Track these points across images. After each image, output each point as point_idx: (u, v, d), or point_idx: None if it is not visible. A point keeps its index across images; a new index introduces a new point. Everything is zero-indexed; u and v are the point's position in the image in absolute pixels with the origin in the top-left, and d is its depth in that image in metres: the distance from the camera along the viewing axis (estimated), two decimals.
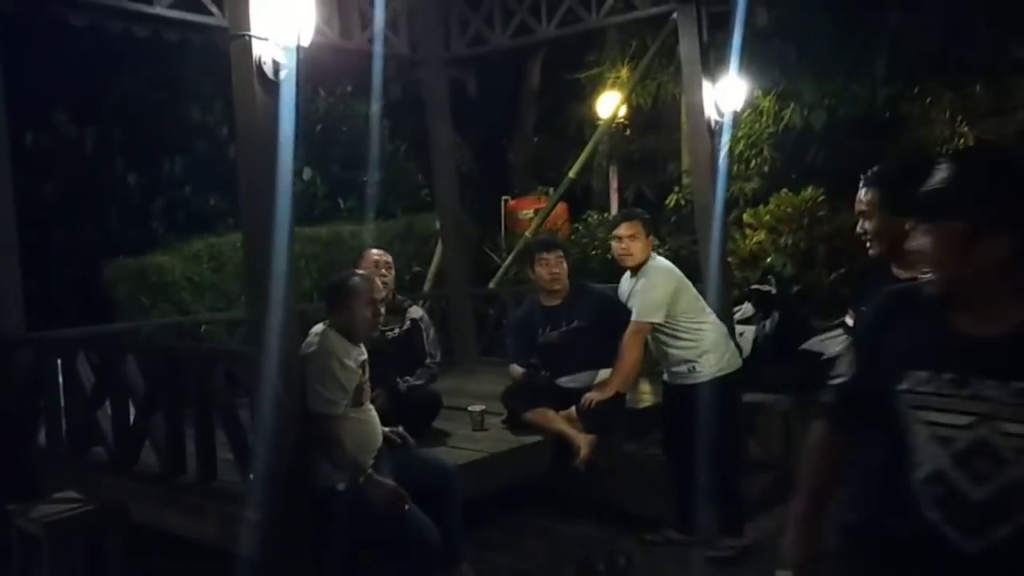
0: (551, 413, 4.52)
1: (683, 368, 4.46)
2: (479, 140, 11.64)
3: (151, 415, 3.90)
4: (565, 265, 4.75)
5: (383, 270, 4.60)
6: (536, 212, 10.08)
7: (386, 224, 8.21)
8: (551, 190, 10.42)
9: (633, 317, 4.44)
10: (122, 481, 4.06)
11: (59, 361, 4.41)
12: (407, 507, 3.41)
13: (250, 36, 3.28)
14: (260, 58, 3.28)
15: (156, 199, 7.77)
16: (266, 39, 3.29)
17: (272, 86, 3.30)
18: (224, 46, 6.83)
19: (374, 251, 4.68)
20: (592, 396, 4.48)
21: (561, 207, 9.60)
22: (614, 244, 4.57)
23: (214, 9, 5.39)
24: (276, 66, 3.29)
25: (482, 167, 11.39)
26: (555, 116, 12.97)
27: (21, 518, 3.94)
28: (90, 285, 7.34)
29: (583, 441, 4.42)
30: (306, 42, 3.39)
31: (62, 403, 4.39)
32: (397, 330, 4.70)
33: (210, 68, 8.03)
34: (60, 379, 4.42)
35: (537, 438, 4.47)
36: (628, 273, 4.64)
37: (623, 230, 4.51)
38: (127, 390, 4.02)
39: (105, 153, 7.82)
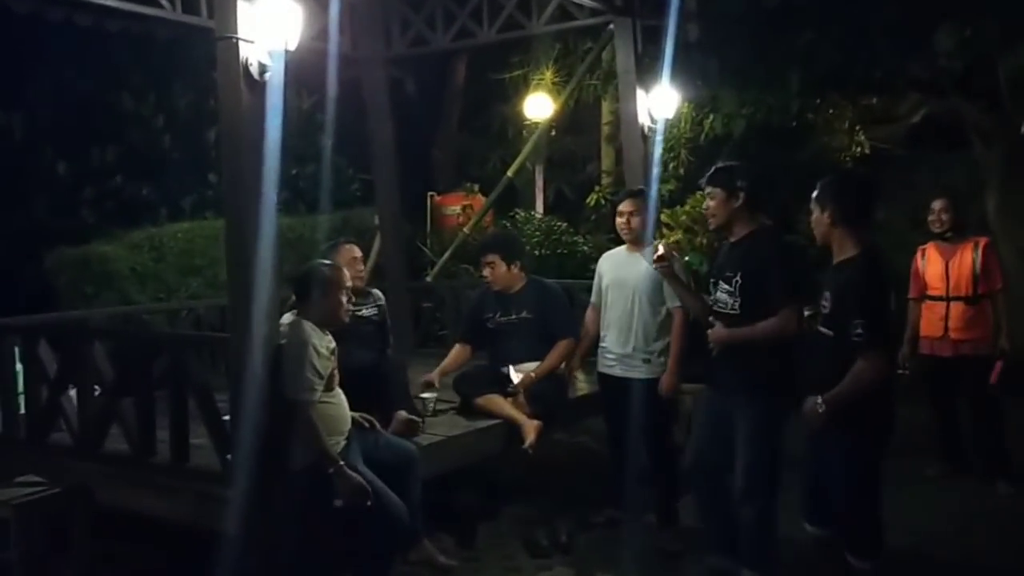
0: (500, 399, 4.78)
1: (644, 356, 4.64)
2: (404, 136, 11.78)
3: (120, 399, 4.00)
4: (501, 269, 5.00)
5: (359, 265, 4.81)
6: (463, 208, 10.32)
7: (322, 218, 8.33)
8: (476, 187, 10.68)
9: (673, 304, 4.59)
10: (87, 464, 4.13)
11: (16, 348, 4.46)
12: (369, 503, 3.60)
13: (237, 39, 3.43)
14: (247, 60, 3.43)
15: (86, 188, 7.69)
16: (253, 42, 3.45)
17: (258, 87, 3.46)
18: (163, 37, 6.92)
19: (347, 246, 4.83)
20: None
21: (480, 201, 9.85)
22: (618, 219, 4.77)
23: (164, 1, 5.42)
24: (262, 68, 3.45)
25: (407, 163, 11.54)
26: (479, 114, 13.22)
27: None
28: (15, 274, 7.25)
29: (530, 426, 4.70)
30: (293, 46, 3.56)
31: (19, 388, 4.43)
32: (366, 309, 4.91)
33: (144, 59, 8.02)
34: (17, 365, 4.46)
35: (488, 422, 4.72)
36: (624, 248, 4.82)
37: (626, 206, 4.72)
38: (94, 375, 4.10)
39: (33, 140, 7.70)
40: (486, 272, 5.08)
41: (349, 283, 3.95)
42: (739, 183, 3.74)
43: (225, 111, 3.54)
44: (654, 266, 4.26)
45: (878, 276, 3.36)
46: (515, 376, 4.90)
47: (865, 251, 3.35)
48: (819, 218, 3.45)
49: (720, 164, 3.95)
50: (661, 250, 4.19)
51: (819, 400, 3.28)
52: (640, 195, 4.82)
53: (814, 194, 3.48)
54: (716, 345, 3.80)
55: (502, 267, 5.02)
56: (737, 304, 3.68)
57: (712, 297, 3.85)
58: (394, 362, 4.81)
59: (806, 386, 3.43)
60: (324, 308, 3.76)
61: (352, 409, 3.93)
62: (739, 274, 3.69)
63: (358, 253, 4.85)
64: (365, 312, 4.90)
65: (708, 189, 3.80)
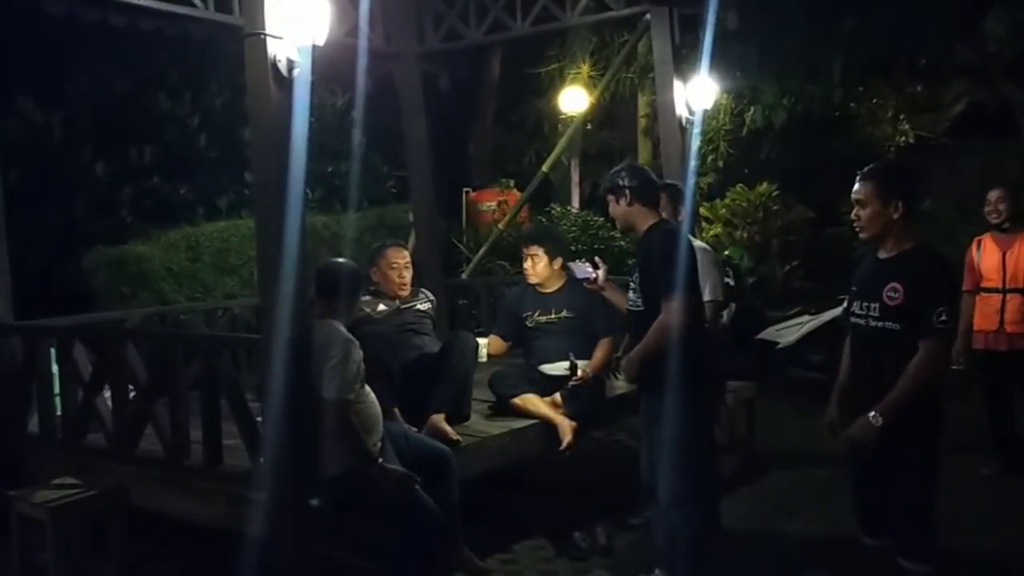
0: (536, 399, 4.70)
1: None
2: (438, 132, 11.76)
3: (154, 401, 3.98)
4: (543, 262, 4.92)
5: (404, 272, 4.78)
6: (498, 204, 10.25)
7: (356, 215, 8.30)
8: (512, 182, 10.61)
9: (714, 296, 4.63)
10: (122, 466, 4.12)
11: (52, 349, 4.46)
12: (417, 485, 3.56)
13: (265, 35, 3.38)
14: (275, 56, 3.38)
15: (124, 188, 7.72)
16: (281, 38, 3.39)
17: (286, 84, 3.40)
18: (198, 36, 6.93)
19: (392, 249, 4.79)
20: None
21: (516, 197, 9.77)
22: None
23: (197, 0, 5.41)
24: (291, 64, 3.40)
25: (442, 159, 11.53)
26: (514, 109, 13.15)
27: (23, 503, 4.00)
28: (54, 273, 7.31)
29: (567, 427, 4.62)
30: (321, 41, 3.51)
31: (56, 390, 4.43)
32: (420, 304, 4.90)
33: (180, 58, 8.05)
34: (54, 367, 4.46)
35: (524, 423, 4.63)
36: None
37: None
38: (128, 376, 4.09)
39: (72, 141, 7.75)
40: (527, 265, 4.96)
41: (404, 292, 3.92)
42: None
43: (254, 108, 3.50)
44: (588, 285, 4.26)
45: (949, 263, 3.25)
46: (551, 371, 4.83)
47: (922, 243, 3.18)
48: (880, 211, 3.11)
49: None
50: (601, 277, 4.19)
51: (873, 415, 3.04)
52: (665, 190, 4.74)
53: (870, 185, 3.14)
54: (630, 371, 3.78)
55: (543, 260, 4.93)
56: (640, 300, 3.75)
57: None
58: (458, 357, 4.63)
59: (857, 386, 3.23)
60: (348, 306, 3.74)
61: (408, 399, 3.96)
62: (637, 271, 3.80)
63: (404, 258, 4.75)
64: (421, 306, 4.91)
65: None
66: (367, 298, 4.67)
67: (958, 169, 10.06)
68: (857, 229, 3.19)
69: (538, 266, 4.94)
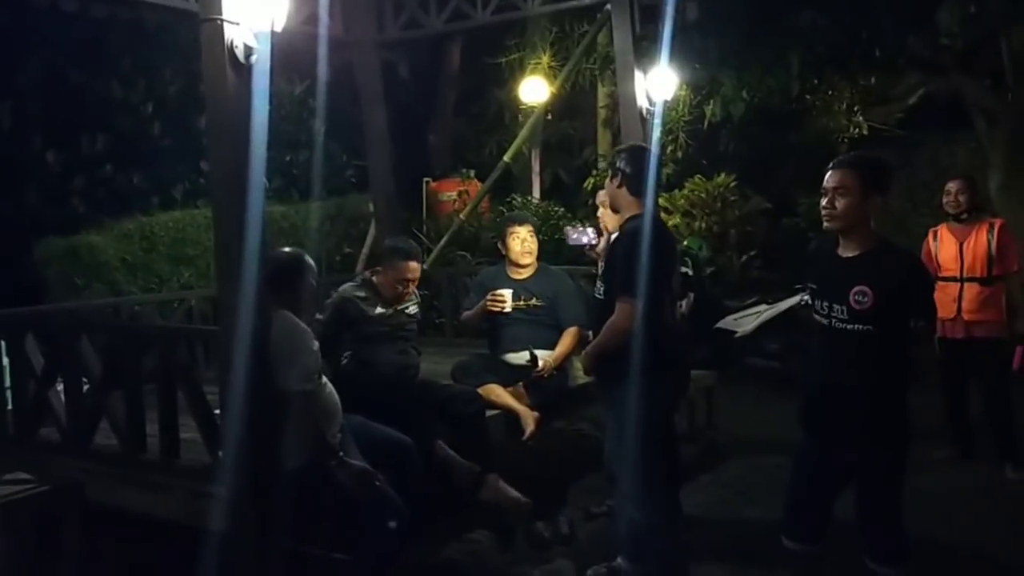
0: (499, 389, 4.71)
1: None
2: (399, 122, 11.68)
3: (109, 394, 3.90)
4: (536, 242, 4.95)
5: (410, 288, 4.64)
6: (459, 194, 10.21)
7: (316, 205, 8.22)
8: (472, 173, 10.57)
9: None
10: (76, 461, 4.03)
11: (2, 341, 4.36)
12: (378, 483, 3.53)
13: (222, 20, 3.31)
14: (232, 42, 3.31)
15: (76, 177, 7.57)
16: (238, 23, 3.32)
17: (244, 70, 3.34)
18: (152, 23, 6.80)
19: (410, 263, 4.55)
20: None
21: (477, 187, 9.74)
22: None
23: None
24: (248, 51, 3.33)
25: (402, 149, 11.45)
26: (474, 99, 13.09)
27: None
28: (5, 265, 7.14)
29: (530, 417, 4.63)
30: (279, 28, 3.44)
31: (7, 383, 4.33)
32: (412, 307, 4.78)
33: (133, 45, 7.89)
34: (4, 360, 4.36)
35: (488, 413, 4.61)
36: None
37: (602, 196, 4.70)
38: (82, 369, 4.00)
39: (22, 129, 7.58)
40: (518, 245, 4.93)
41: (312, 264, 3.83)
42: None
43: (210, 95, 3.42)
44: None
45: (919, 262, 3.21)
46: (516, 359, 4.84)
47: (887, 240, 3.08)
48: (859, 203, 2.97)
49: None
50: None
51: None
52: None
53: (853, 175, 3.00)
54: (587, 365, 3.79)
55: (531, 240, 4.97)
56: (602, 290, 3.75)
57: None
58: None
59: (818, 388, 3.18)
60: (300, 295, 3.67)
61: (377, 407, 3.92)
62: (604, 260, 3.81)
63: (417, 274, 4.59)
64: (410, 310, 4.75)
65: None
66: (361, 294, 4.52)
67: (910, 160, 10.21)
68: (826, 219, 3.04)
69: (533, 245, 4.96)
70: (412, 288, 4.65)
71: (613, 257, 3.67)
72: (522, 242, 4.92)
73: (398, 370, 4.53)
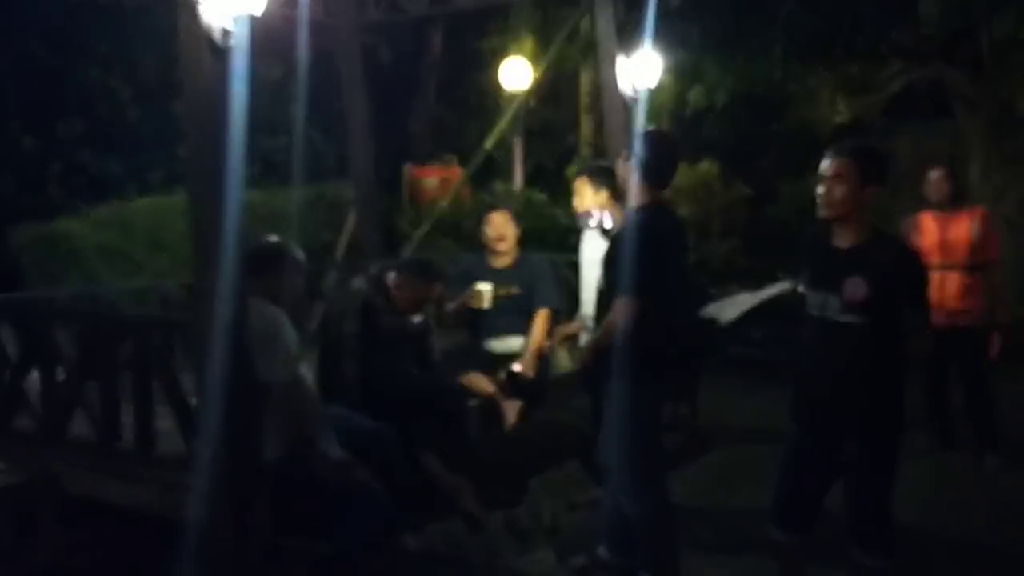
0: (481, 378, 4.68)
1: None
2: (379, 107, 11.59)
3: (84, 383, 3.83)
4: (512, 228, 4.91)
5: (432, 304, 4.66)
6: (440, 181, 10.15)
7: (295, 192, 8.13)
8: (454, 159, 10.50)
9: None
10: (51, 451, 3.97)
11: None
12: (356, 474, 3.50)
13: (199, 2, 3.24)
14: (210, 25, 3.24)
15: (52, 163, 7.45)
16: (216, 6, 3.25)
17: (222, 54, 3.27)
18: (130, 6, 6.68)
19: (435, 284, 4.56)
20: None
21: (459, 174, 9.69)
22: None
23: None
24: (226, 34, 3.27)
25: (383, 135, 11.37)
26: (456, 85, 13.01)
27: None
28: None
29: (511, 407, 4.60)
30: (258, 11, 3.37)
31: None
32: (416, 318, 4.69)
33: (111, 29, 7.76)
34: None
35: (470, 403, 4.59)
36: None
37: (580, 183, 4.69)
38: (57, 357, 3.93)
39: None
40: (495, 230, 4.92)
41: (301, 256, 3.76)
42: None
43: (188, 79, 3.35)
44: None
45: (914, 253, 3.19)
46: (497, 347, 4.88)
47: (881, 230, 3.06)
48: (857, 192, 2.94)
49: None
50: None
51: None
52: (590, 172, 4.70)
53: (852, 162, 2.95)
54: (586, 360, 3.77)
55: (512, 234, 4.97)
56: (603, 281, 3.68)
57: None
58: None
59: (810, 380, 3.15)
60: (280, 285, 3.62)
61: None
62: (608, 247, 3.71)
63: (436, 295, 4.62)
64: (416, 318, 4.64)
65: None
66: (378, 300, 4.41)
67: (891, 149, 10.23)
68: (822, 207, 3.00)
69: (503, 227, 4.95)
70: (429, 308, 4.64)
71: (618, 250, 3.53)
72: (495, 227, 4.89)
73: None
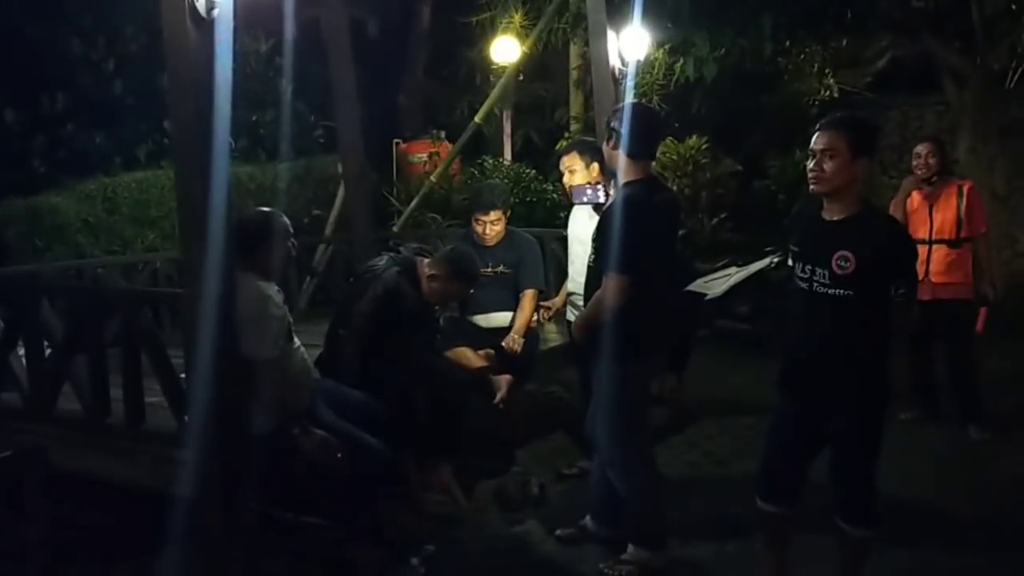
0: (470, 352, 4.69)
1: None
2: (368, 81, 11.51)
3: (72, 358, 3.82)
4: (501, 226, 4.93)
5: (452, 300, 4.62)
6: (430, 156, 10.11)
7: (283, 166, 8.09)
8: (443, 134, 10.46)
9: None
10: (39, 426, 3.96)
11: None
12: (339, 455, 3.51)
13: None
14: None
15: (36, 137, 7.38)
16: None
17: (206, 26, 3.23)
18: None
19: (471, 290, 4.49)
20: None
21: (448, 148, 9.65)
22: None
23: None
24: (210, 5, 3.22)
25: (371, 109, 11.30)
26: (445, 60, 12.92)
27: None
28: None
29: (501, 380, 4.62)
30: None
31: None
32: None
33: (93, 0, 7.67)
34: None
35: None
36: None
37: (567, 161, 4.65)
38: (44, 332, 3.92)
39: None
40: (487, 231, 4.90)
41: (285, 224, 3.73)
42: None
43: (171, 52, 3.30)
44: None
45: (901, 226, 3.20)
46: (483, 322, 4.92)
47: (870, 204, 3.07)
48: (848, 165, 2.93)
49: None
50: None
51: None
52: (578, 147, 4.67)
53: (843, 135, 2.95)
54: (577, 336, 3.75)
55: (502, 223, 4.95)
56: (593, 257, 3.66)
57: None
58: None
59: (798, 352, 3.15)
60: (268, 258, 3.58)
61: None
62: (598, 224, 3.68)
63: (465, 296, 4.58)
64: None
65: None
66: (408, 290, 4.23)
67: (879, 123, 10.27)
68: (812, 181, 2.99)
69: (498, 228, 4.94)
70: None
71: (606, 226, 3.51)
72: (487, 226, 4.90)
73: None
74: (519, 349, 4.77)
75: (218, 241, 3.24)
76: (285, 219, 3.70)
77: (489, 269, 4.88)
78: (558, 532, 4.05)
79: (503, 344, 4.76)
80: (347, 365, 4.10)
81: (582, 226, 4.57)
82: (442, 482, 4.29)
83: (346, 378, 4.06)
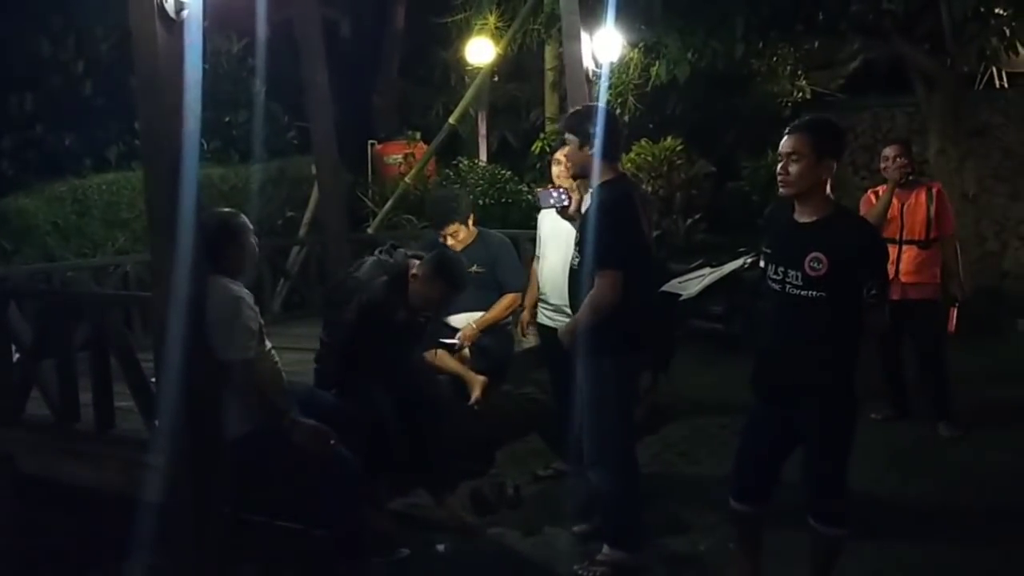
0: (444, 354, 4.67)
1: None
2: (342, 82, 11.45)
3: (40, 362, 3.78)
4: (464, 233, 4.92)
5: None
6: (405, 157, 10.08)
7: (256, 168, 8.02)
8: (418, 135, 10.43)
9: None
10: (7, 431, 3.91)
11: None
12: (332, 442, 3.49)
13: None
14: None
15: (4, 138, 7.27)
16: None
17: (175, 27, 3.20)
18: None
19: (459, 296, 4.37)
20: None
21: (423, 149, 9.63)
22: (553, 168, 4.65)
23: None
24: (179, 5, 3.19)
25: (346, 110, 11.24)
26: (420, 60, 12.88)
27: None
28: None
29: (476, 381, 4.61)
30: None
31: None
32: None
33: (62, 0, 7.57)
34: None
35: None
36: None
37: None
38: (12, 337, 3.87)
39: None
40: (451, 242, 4.88)
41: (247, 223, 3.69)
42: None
43: (139, 53, 3.26)
44: None
45: (873, 228, 3.21)
46: (457, 323, 4.82)
47: (842, 206, 3.10)
48: (813, 168, 2.96)
49: None
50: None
51: None
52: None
53: (806, 138, 2.98)
54: (566, 340, 3.68)
55: (463, 231, 4.92)
56: (577, 261, 3.66)
57: None
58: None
59: (770, 353, 3.17)
60: (236, 258, 3.55)
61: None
62: (580, 226, 3.69)
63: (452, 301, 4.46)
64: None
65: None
66: (391, 297, 4.13)
67: (850, 124, 10.36)
68: (781, 184, 3.03)
69: (460, 237, 4.92)
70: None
71: (589, 227, 3.52)
72: (448, 238, 4.89)
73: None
74: (470, 336, 4.73)
75: (187, 243, 3.21)
76: (244, 217, 3.67)
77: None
78: (575, 528, 4.07)
79: (459, 333, 4.74)
80: (328, 377, 4.07)
81: (550, 226, 4.59)
82: (452, 511, 4.24)
83: (327, 388, 4.04)
